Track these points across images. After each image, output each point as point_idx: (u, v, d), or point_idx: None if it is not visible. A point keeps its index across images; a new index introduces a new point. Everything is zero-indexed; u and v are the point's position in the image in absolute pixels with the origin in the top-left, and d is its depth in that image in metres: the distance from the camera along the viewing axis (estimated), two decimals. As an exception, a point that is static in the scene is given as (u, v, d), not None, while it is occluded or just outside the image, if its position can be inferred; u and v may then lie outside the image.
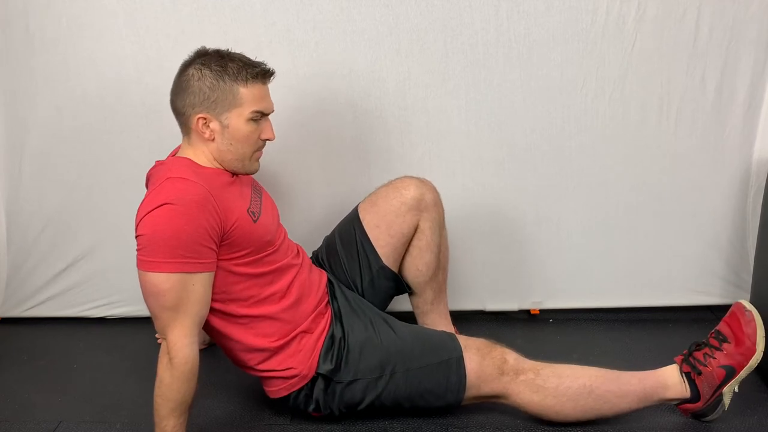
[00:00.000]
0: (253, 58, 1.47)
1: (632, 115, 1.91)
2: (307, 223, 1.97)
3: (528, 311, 2.12)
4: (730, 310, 1.56)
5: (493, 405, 1.59)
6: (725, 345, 1.51)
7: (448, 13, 1.82)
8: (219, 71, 1.42)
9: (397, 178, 1.73)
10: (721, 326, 1.55)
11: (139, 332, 2.01)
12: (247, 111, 1.44)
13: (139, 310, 2.06)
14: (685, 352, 1.57)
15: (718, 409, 1.53)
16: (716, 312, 2.08)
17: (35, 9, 1.83)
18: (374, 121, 1.92)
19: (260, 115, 1.47)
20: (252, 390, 1.72)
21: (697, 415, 1.56)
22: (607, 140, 1.93)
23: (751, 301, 1.85)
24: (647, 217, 2.00)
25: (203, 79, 1.42)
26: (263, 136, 1.50)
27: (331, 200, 2.00)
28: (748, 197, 1.98)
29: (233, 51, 1.47)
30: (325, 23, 1.83)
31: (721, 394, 1.51)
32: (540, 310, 2.11)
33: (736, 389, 1.52)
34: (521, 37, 1.84)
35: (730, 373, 1.50)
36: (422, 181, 1.70)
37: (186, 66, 1.45)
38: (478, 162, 1.96)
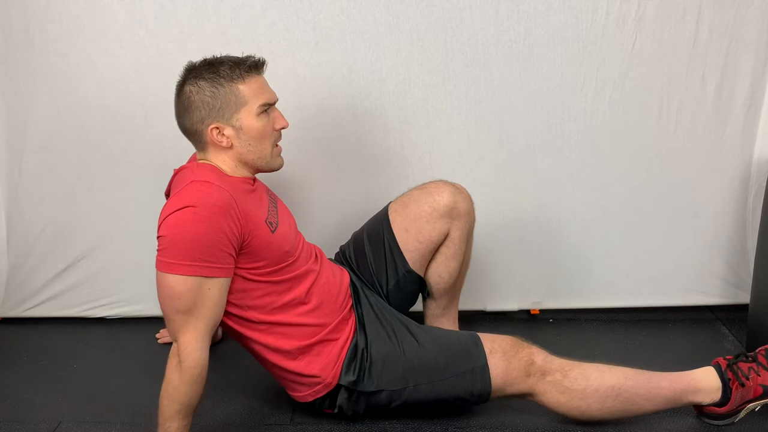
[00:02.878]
0: (255, 54, 1.47)
1: (632, 115, 1.91)
2: (306, 222, 1.96)
3: (528, 311, 2.12)
4: None
5: (494, 404, 1.59)
6: None
7: (448, 13, 1.82)
8: (213, 78, 1.41)
9: (431, 182, 1.70)
10: None
11: (139, 332, 2.01)
12: (254, 106, 1.44)
13: (139, 310, 2.07)
14: (729, 357, 1.54)
15: (730, 417, 1.53)
16: (716, 312, 2.08)
17: (35, 9, 1.83)
18: (374, 122, 1.92)
19: (268, 106, 1.47)
20: (252, 390, 1.73)
21: (709, 416, 1.55)
22: (607, 140, 1.93)
23: (751, 301, 1.86)
24: (647, 217, 2.00)
25: (201, 91, 1.42)
26: (277, 126, 1.50)
27: (331, 200, 2.00)
28: (748, 197, 1.99)
29: (220, 55, 1.46)
30: (325, 23, 1.83)
31: (743, 408, 1.51)
32: (540, 310, 2.11)
33: (757, 409, 1.52)
34: (521, 37, 1.84)
35: (766, 392, 1.49)
36: (457, 188, 1.67)
37: (181, 86, 1.45)
38: (478, 162, 1.96)
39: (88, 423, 1.64)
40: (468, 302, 2.03)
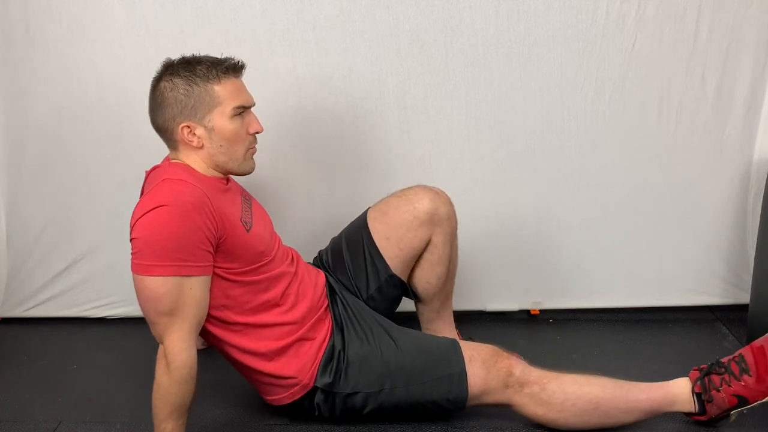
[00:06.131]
0: (235, 57, 1.46)
1: (632, 115, 1.91)
2: (306, 223, 1.97)
3: (528, 311, 2.12)
4: (761, 339, 1.49)
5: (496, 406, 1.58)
6: (745, 377, 1.46)
7: (448, 13, 1.82)
8: (189, 76, 1.40)
9: (410, 188, 1.68)
10: (746, 353, 1.49)
11: (139, 332, 1.99)
12: (227, 108, 1.42)
13: (139, 310, 2.06)
14: (703, 367, 1.52)
15: (722, 420, 1.52)
16: (716, 312, 2.08)
17: (35, 9, 1.83)
18: (374, 122, 1.92)
19: (242, 110, 1.45)
20: (252, 390, 1.72)
21: (700, 423, 1.54)
22: (607, 140, 1.93)
23: (751, 301, 1.86)
24: (647, 217, 2.00)
25: (176, 89, 1.40)
26: (251, 130, 1.48)
27: (331, 201, 2.00)
28: (748, 197, 1.98)
29: (199, 54, 1.45)
30: (326, 23, 1.83)
31: (728, 414, 1.50)
32: (540, 310, 2.10)
33: (744, 411, 1.49)
34: (521, 37, 1.84)
35: (742, 402, 1.47)
36: (437, 193, 1.65)
37: (156, 81, 1.44)
38: (478, 162, 1.96)
39: (88, 423, 1.64)
40: (468, 302, 2.03)
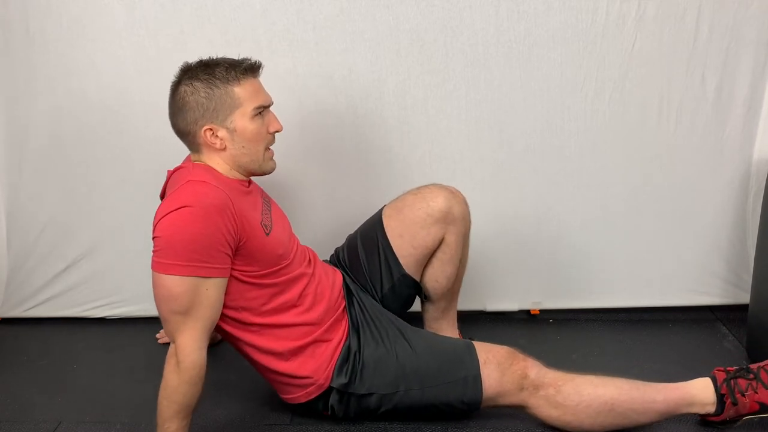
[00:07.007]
0: (251, 57, 1.47)
1: (632, 115, 1.91)
2: (306, 223, 1.96)
3: (528, 311, 2.12)
4: None
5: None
6: None
7: (448, 13, 1.82)
8: (208, 79, 1.41)
9: (425, 186, 1.69)
10: None
11: (139, 332, 2.01)
12: (248, 108, 1.44)
13: (139, 310, 2.07)
14: (730, 369, 1.51)
15: (729, 423, 1.51)
16: (716, 312, 2.08)
17: (35, 9, 1.83)
18: (374, 121, 1.92)
19: (262, 109, 1.47)
20: (252, 390, 1.73)
21: (708, 423, 1.54)
22: (607, 140, 1.93)
23: (751, 301, 1.86)
24: (647, 217, 2.00)
25: (196, 92, 1.41)
26: (271, 129, 1.50)
27: (331, 200, 2.00)
28: (748, 197, 1.98)
29: (216, 56, 1.46)
30: (326, 23, 1.83)
31: (740, 419, 1.50)
32: (540, 310, 2.11)
33: (756, 419, 1.49)
34: (521, 37, 1.84)
35: (763, 409, 1.47)
36: (452, 192, 1.66)
37: (176, 86, 1.45)
38: (478, 162, 1.96)
39: (88, 423, 1.64)
40: (467, 302, 2.03)
